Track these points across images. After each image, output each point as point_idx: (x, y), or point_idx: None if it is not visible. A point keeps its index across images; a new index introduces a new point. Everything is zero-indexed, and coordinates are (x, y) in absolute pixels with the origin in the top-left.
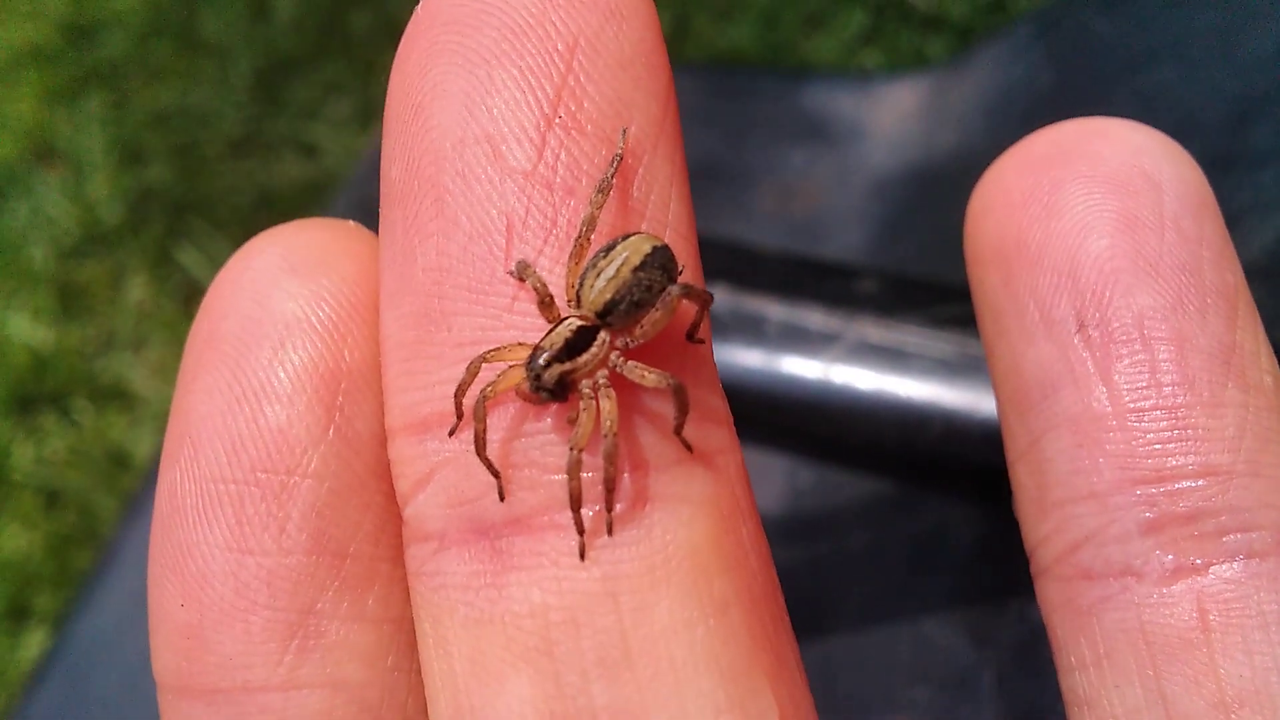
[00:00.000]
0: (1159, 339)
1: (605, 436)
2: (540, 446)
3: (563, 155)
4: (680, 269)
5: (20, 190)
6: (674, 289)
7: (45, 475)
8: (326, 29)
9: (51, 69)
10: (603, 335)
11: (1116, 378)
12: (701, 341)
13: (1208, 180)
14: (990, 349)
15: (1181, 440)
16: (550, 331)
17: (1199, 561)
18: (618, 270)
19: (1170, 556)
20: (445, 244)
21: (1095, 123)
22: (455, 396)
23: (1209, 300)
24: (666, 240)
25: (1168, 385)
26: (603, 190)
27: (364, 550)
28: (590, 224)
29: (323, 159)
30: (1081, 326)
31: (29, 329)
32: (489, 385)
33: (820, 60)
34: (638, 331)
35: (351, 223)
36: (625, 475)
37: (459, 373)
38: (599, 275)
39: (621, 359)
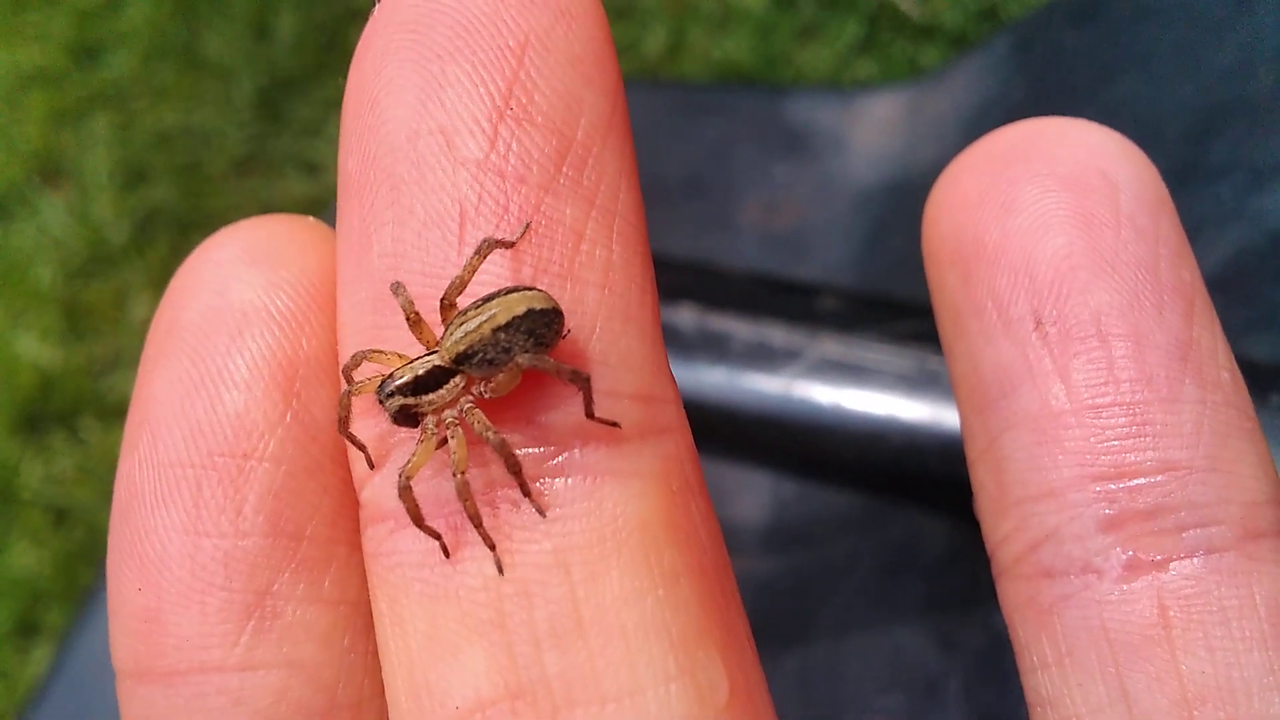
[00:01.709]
0: (1116, 335)
1: (454, 475)
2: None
3: (514, 145)
4: (562, 332)
5: (27, 211)
6: (522, 358)
7: (53, 493)
8: (327, 47)
9: (57, 90)
10: (456, 380)
11: (1074, 375)
12: (615, 425)
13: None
14: (949, 349)
15: (1140, 436)
16: (409, 362)
17: (1159, 558)
18: (479, 325)
19: (1130, 553)
20: (400, 231)
21: (1050, 122)
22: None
23: (1166, 297)
24: (612, 236)
25: (1125, 382)
26: (480, 254)
27: (321, 533)
28: (460, 286)
29: (325, 176)
30: (1039, 324)
31: (36, 349)
32: (356, 383)
33: (815, 71)
34: (489, 386)
35: (311, 218)
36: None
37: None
38: (462, 325)
39: (471, 405)
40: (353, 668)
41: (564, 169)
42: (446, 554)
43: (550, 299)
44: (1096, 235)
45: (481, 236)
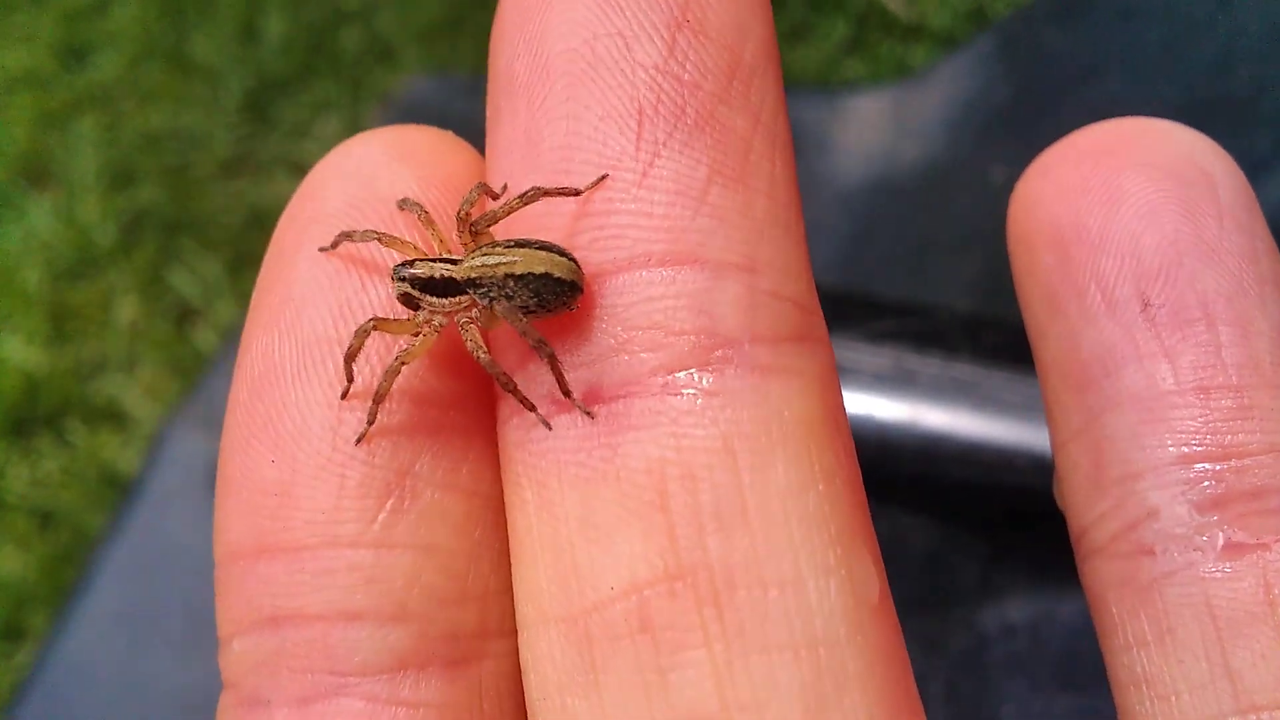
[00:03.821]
0: (1223, 321)
1: (478, 357)
2: (664, 310)
3: (690, 55)
4: (570, 305)
5: (13, 213)
6: (499, 307)
7: (39, 496)
8: (315, 49)
9: (44, 92)
10: (462, 298)
11: (1182, 356)
12: (591, 415)
13: None
14: (1041, 330)
15: (1246, 419)
16: (435, 260)
17: (1264, 538)
18: (496, 265)
19: (1235, 532)
20: (576, 125)
21: (1142, 121)
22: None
23: (1267, 288)
24: (775, 150)
25: (1232, 365)
26: (524, 199)
27: (459, 421)
28: (492, 219)
29: None
30: (1146, 306)
31: (22, 351)
32: (381, 321)
33: (804, 72)
34: (480, 314)
35: (449, 132)
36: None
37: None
38: (485, 256)
39: (468, 322)
40: (481, 560)
41: (734, 83)
42: (546, 424)
43: (575, 272)
44: (1201, 224)
45: (659, 136)
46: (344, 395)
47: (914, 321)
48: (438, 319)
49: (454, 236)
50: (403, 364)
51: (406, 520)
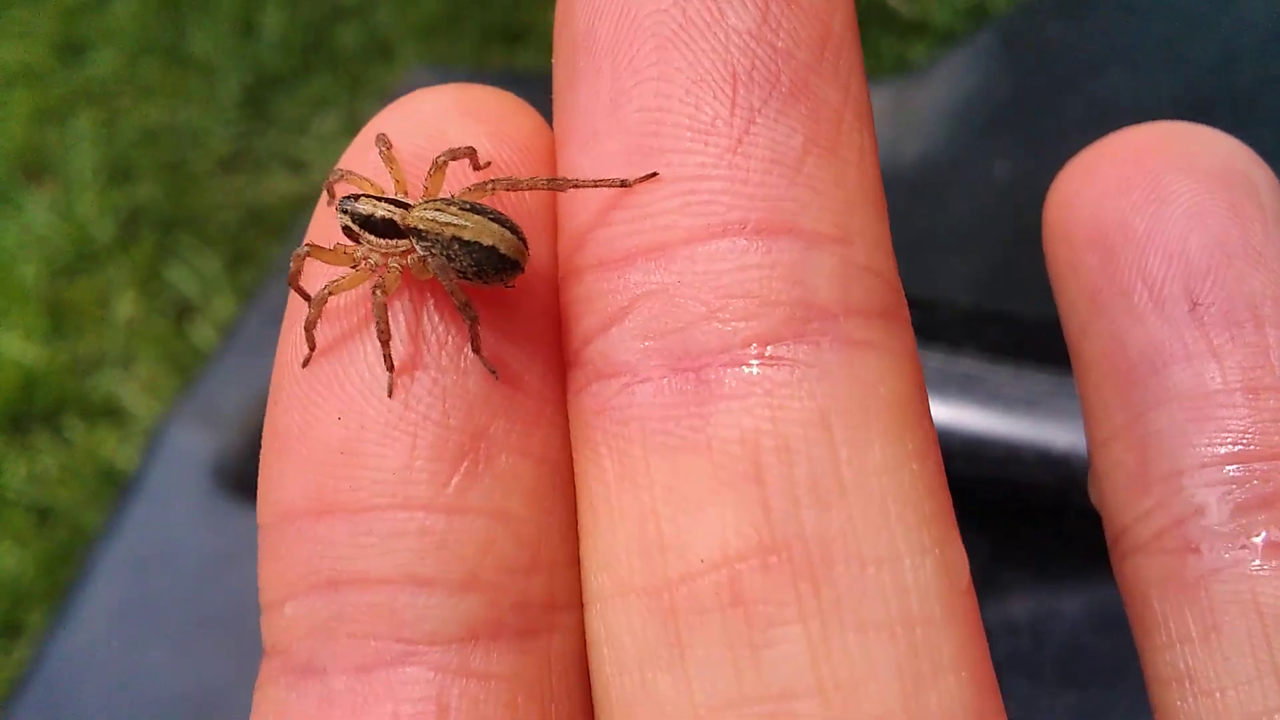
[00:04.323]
0: (1270, 323)
1: (374, 292)
2: (758, 279)
3: (784, 23)
4: (506, 283)
5: (11, 209)
6: (433, 263)
7: (37, 493)
8: (313, 45)
9: (42, 88)
10: (400, 242)
11: (1230, 357)
12: (495, 373)
13: None
14: (1082, 327)
15: None
16: (384, 198)
17: None
18: (445, 224)
19: None
20: (667, 87)
21: (1183, 125)
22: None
23: None
24: (862, 124)
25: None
26: (508, 188)
27: (534, 386)
28: (480, 191)
29: (311, 174)
30: (1194, 305)
31: (20, 347)
32: (316, 249)
33: None
34: (413, 262)
35: (511, 94)
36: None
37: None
38: (437, 211)
39: (398, 268)
40: (551, 529)
41: (825, 54)
42: (390, 393)
43: (520, 252)
44: (1247, 227)
45: (754, 103)
46: (296, 287)
47: (916, 316)
48: (374, 257)
49: (424, 183)
50: (329, 294)
51: (480, 485)
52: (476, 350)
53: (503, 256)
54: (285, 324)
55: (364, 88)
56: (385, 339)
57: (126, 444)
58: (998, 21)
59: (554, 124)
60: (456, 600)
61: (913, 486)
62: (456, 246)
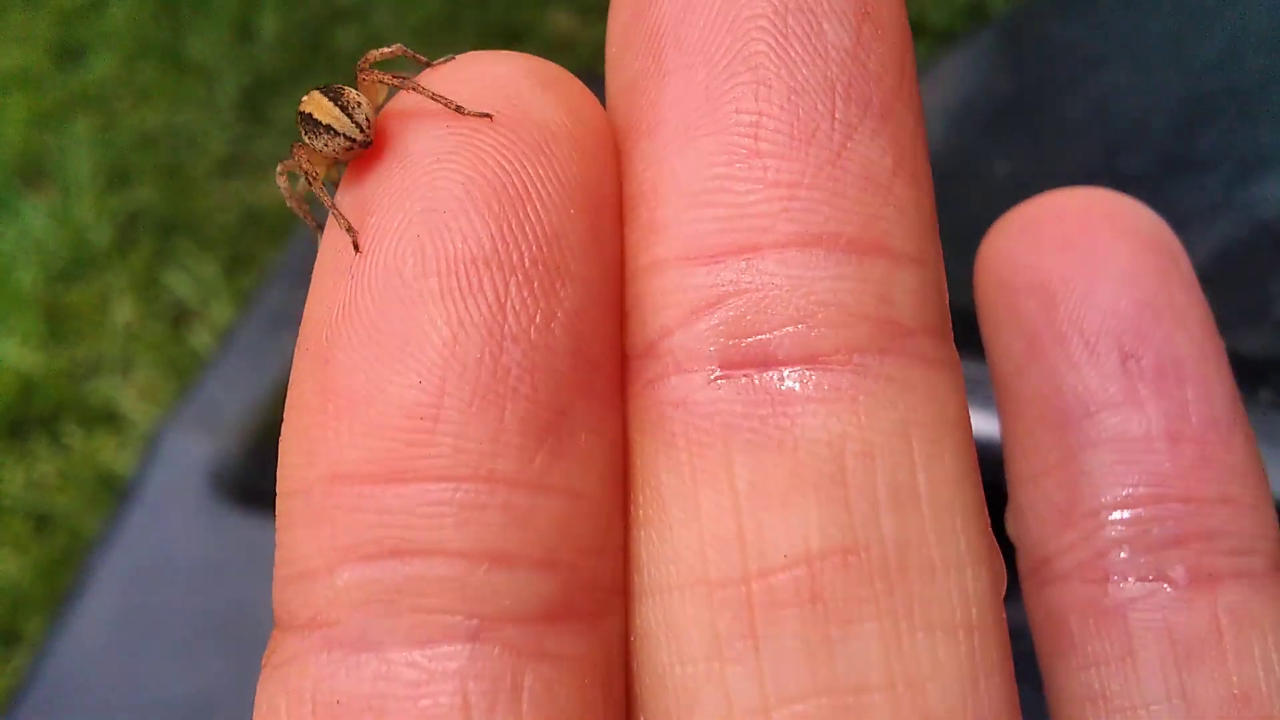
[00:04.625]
0: (1190, 379)
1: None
2: (850, 292)
3: (874, 46)
4: (333, 150)
5: (8, 214)
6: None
7: (35, 499)
8: (311, 47)
9: (39, 92)
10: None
11: (1156, 407)
12: (358, 249)
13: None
14: (1019, 369)
15: (1206, 469)
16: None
17: (1216, 574)
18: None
19: (1193, 567)
20: (766, 92)
21: (1113, 193)
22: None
23: (1220, 354)
24: (924, 151)
25: (1197, 420)
26: (414, 89)
27: (610, 370)
28: (413, 87)
29: None
30: (1125, 359)
31: (17, 353)
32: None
33: None
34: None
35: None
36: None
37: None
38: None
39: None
40: (615, 513)
41: (904, 81)
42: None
43: (342, 123)
44: (1173, 290)
45: (851, 119)
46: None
47: None
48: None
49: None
50: (312, 177)
51: (562, 463)
52: (329, 205)
53: (307, 118)
54: (350, 285)
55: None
56: (332, 204)
57: (125, 449)
58: (997, 20)
59: (617, 111)
60: (535, 579)
61: (974, 499)
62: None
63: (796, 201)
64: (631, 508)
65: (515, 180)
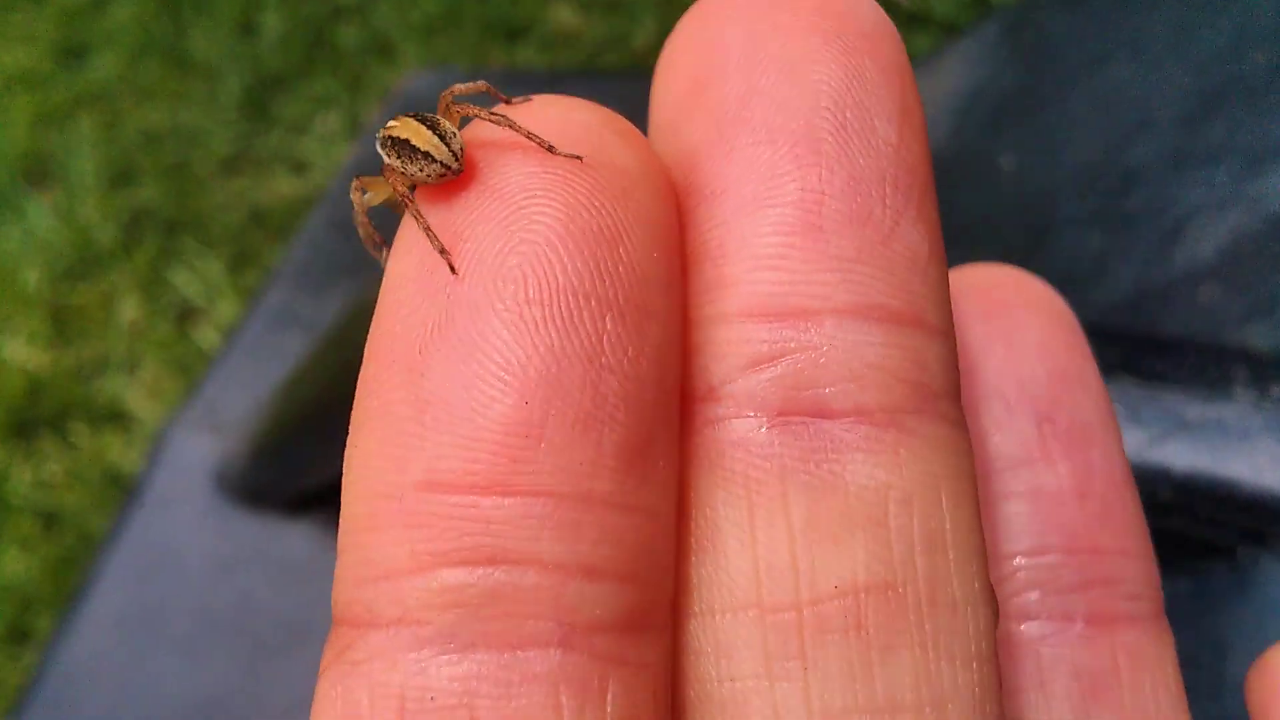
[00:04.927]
0: (1096, 442)
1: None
2: (895, 358)
3: (913, 144)
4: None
5: (13, 214)
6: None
7: (43, 498)
8: (314, 44)
9: (43, 92)
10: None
11: (1067, 465)
12: (455, 271)
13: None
14: None
15: (1108, 523)
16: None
17: (1114, 617)
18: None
19: (1096, 610)
20: (829, 175)
21: (1020, 271)
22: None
23: (1116, 420)
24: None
25: (1100, 480)
26: (497, 121)
27: (678, 406)
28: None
29: (313, 174)
30: (1040, 423)
31: (24, 352)
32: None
33: None
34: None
35: None
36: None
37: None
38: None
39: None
40: (675, 531)
41: (930, 178)
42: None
43: (437, 148)
44: (1080, 363)
45: (899, 205)
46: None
47: None
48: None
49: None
50: (392, 203)
51: (646, 487)
52: (432, 239)
53: (415, 148)
54: (438, 304)
55: (365, 87)
56: (423, 221)
57: (131, 448)
58: (1000, 12)
59: (673, 169)
60: (619, 591)
61: (981, 545)
62: (388, 143)
63: (854, 275)
64: (683, 534)
65: (608, 221)
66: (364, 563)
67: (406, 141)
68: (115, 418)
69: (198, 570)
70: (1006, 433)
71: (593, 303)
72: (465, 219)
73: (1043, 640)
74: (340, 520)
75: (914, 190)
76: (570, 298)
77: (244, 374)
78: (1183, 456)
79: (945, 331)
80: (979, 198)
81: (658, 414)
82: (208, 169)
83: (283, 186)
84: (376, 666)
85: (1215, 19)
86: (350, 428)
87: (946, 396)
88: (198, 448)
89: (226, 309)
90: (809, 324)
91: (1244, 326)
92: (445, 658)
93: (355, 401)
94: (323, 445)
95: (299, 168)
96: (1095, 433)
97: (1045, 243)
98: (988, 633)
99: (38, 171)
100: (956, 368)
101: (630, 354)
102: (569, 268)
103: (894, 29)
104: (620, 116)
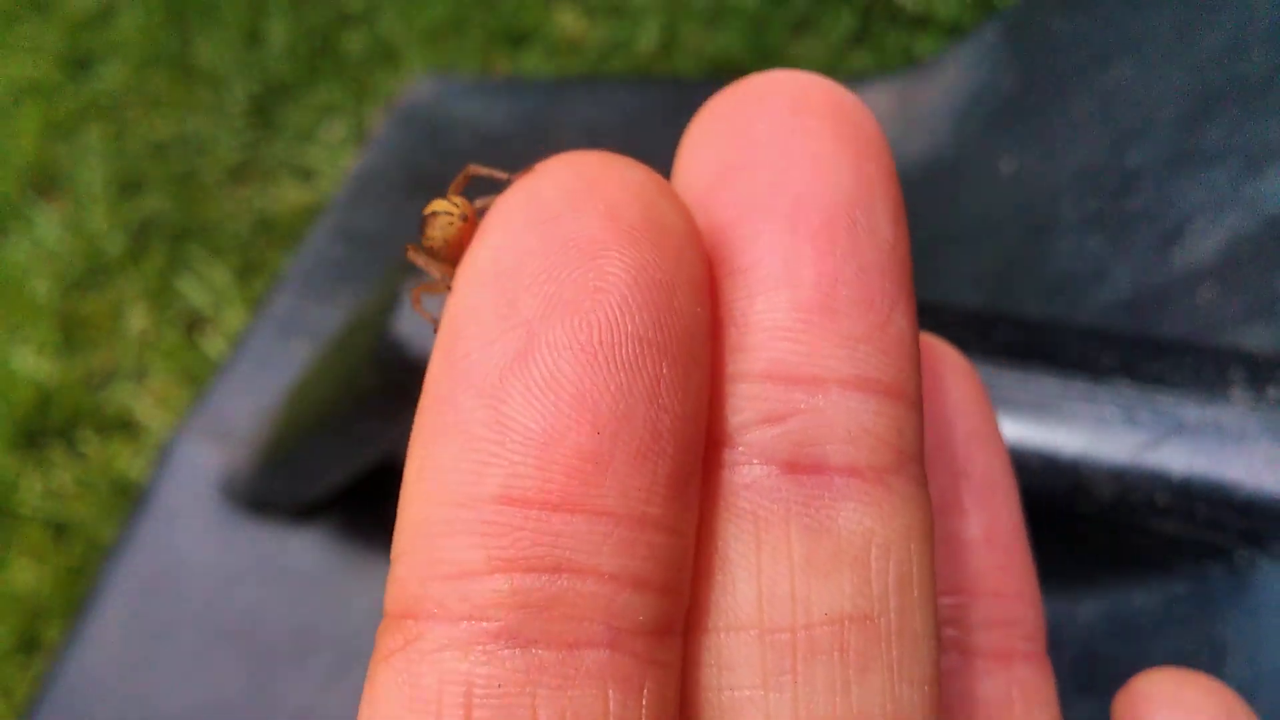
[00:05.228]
0: (999, 497)
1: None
2: (884, 425)
3: (901, 239)
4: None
5: (21, 224)
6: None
7: (53, 508)
8: (319, 52)
9: (50, 102)
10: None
11: (979, 516)
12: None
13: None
14: None
15: (1010, 569)
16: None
17: (1011, 654)
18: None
19: (997, 647)
20: (843, 264)
21: (930, 337)
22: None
23: (1014, 475)
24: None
25: (1004, 528)
26: (462, 218)
27: (703, 445)
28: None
29: (319, 182)
30: (957, 478)
31: (33, 362)
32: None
33: (809, 64)
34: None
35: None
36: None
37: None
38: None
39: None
40: (692, 558)
41: (911, 268)
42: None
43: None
44: (988, 423)
45: (893, 294)
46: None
47: (923, 319)
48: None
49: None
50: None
51: (686, 513)
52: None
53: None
54: (497, 328)
55: (371, 94)
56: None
57: (140, 457)
58: (1002, 13)
59: (711, 244)
60: (659, 600)
61: (934, 588)
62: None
63: (858, 352)
64: (697, 559)
65: (666, 277)
66: (436, 562)
67: (425, 216)
68: (124, 426)
69: (205, 580)
70: (931, 486)
71: (654, 349)
72: (544, 266)
73: (953, 673)
74: (400, 523)
75: (904, 282)
76: (636, 344)
77: (251, 382)
78: (1180, 459)
79: (919, 404)
80: (979, 199)
81: (695, 451)
82: (215, 177)
83: (289, 194)
84: (447, 655)
85: (1215, 21)
86: (416, 438)
87: (917, 460)
88: (204, 457)
89: (234, 317)
90: (817, 390)
91: (1242, 328)
92: (510, 651)
93: (421, 413)
94: (328, 455)
95: (305, 175)
96: (1000, 487)
97: (1045, 244)
98: (936, 661)
99: (46, 182)
100: (923, 435)
101: (680, 396)
102: (636, 317)
103: (884, 137)
104: (661, 177)
